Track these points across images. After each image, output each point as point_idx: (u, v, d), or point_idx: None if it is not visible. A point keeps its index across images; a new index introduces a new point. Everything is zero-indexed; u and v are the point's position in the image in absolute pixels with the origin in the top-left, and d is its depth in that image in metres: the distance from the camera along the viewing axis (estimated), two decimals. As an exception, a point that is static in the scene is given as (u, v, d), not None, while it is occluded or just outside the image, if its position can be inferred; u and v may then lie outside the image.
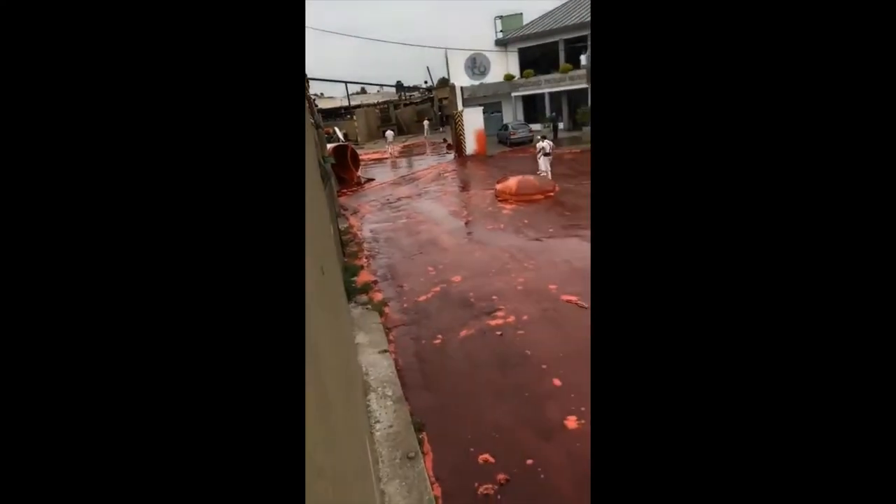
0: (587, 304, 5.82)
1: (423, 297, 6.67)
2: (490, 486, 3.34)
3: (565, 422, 3.87)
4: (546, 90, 23.99)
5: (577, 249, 7.80)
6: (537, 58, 24.87)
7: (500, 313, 5.86)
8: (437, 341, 5.44)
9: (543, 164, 13.21)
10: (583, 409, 3.98)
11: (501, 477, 3.39)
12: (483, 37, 25.42)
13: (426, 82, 38.46)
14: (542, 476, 3.38)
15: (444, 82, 29.75)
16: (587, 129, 21.87)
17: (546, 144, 13.29)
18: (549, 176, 12.91)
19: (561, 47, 23.75)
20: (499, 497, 3.25)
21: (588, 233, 8.53)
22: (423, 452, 3.67)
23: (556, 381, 4.41)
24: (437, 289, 6.91)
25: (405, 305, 6.49)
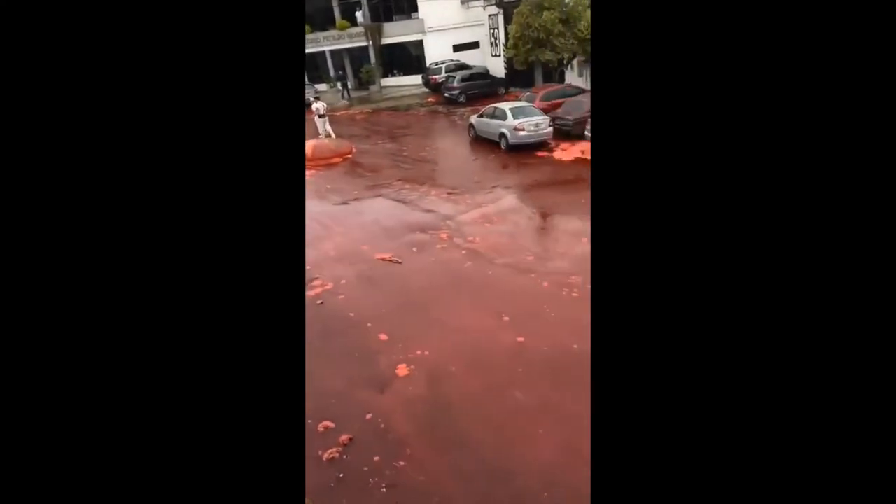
0: (401, 260, 6.11)
1: (229, 281, 6.17)
2: (335, 449, 3.41)
3: (396, 371, 4.12)
4: (326, 48, 23.18)
5: (383, 209, 8.01)
6: (311, 13, 23.68)
7: (317, 282, 5.78)
8: (255, 324, 5.15)
9: (321, 126, 12.78)
10: (410, 356, 4.27)
11: (344, 438, 3.49)
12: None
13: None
14: (383, 425, 3.58)
15: (210, 40, 26.36)
16: (374, 88, 21.98)
17: (320, 106, 12.80)
18: (333, 136, 12.63)
19: (335, 3, 23.00)
20: (345, 457, 3.35)
21: (392, 191, 8.81)
22: (259, 439, 3.54)
23: (383, 336, 4.61)
24: (244, 269, 6.45)
25: (210, 293, 5.92)
